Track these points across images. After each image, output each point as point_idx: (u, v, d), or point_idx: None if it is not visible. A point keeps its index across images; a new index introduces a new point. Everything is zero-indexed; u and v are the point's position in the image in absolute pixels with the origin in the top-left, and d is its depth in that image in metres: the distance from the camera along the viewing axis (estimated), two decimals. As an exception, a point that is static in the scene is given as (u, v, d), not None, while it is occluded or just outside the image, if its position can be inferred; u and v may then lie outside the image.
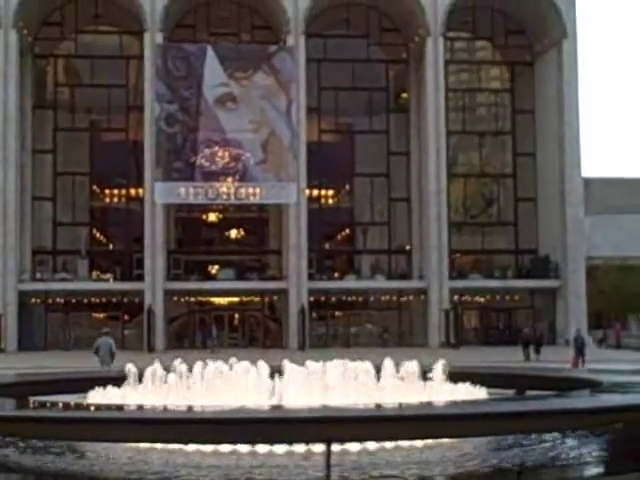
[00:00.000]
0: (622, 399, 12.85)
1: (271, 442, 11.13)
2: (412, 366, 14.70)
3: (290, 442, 11.24)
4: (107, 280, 59.82)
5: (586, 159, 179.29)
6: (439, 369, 14.71)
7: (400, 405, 12.48)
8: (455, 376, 14.72)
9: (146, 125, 57.35)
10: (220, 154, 56.34)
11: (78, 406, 12.95)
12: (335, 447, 10.80)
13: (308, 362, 14.64)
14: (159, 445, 11.72)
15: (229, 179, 56.42)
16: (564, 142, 59.15)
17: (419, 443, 12.05)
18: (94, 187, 62.72)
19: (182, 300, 61.31)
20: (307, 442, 11.19)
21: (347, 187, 64.50)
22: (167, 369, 14.84)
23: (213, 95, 56.59)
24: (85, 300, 60.15)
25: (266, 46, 59.01)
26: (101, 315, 61.17)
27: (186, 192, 56.12)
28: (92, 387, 14.74)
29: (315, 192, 61.87)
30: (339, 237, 65.60)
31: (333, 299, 61.72)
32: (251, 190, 56.66)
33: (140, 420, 10.91)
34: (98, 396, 14.34)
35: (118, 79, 61.07)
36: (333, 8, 61.45)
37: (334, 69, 61.60)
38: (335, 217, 63.89)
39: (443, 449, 12.17)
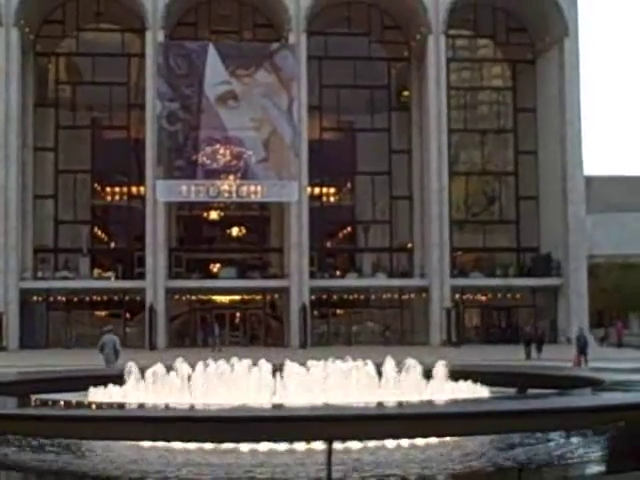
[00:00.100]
0: (624, 397, 12.84)
1: (272, 440, 11.12)
2: (413, 364, 14.69)
3: (291, 440, 11.24)
4: (108, 278, 59.84)
5: (588, 157, 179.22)
6: (440, 368, 14.70)
7: (401, 404, 12.48)
8: (456, 374, 14.72)
9: (147, 123, 57.35)
10: (221, 152, 56.35)
11: (79, 404, 12.95)
12: (337, 445, 10.80)
13: (309, 362, 14.63)
14: (160, 443, 11.71)
15: (230, 177, 56.43)
16: (566, 140, 59.11)
17: (420, 442, 12.04)
18: (95, 185, 62.72)
19: (183, 298, 61.31)
20: (308, 440, 11.18)
21: (349, 185, 64.48)
22: (169, 368, 14.84)
23: (214, 93, 56.58)
24: (86, 298, 60.16)
25: (268, 44, 58.99)
26: (102, 313, 61.14)
27: (187, 190, 56.13)
28: (95, 385, 14.73)
29: (317, 190, 61.85)
30: (340, 235, 65.58)
31: (334, 297, 61.70)
32: (252, 188, 56.67)
33: (141, 418, 10.90)
34: (99, 394, 14.34)
35: (119, 77, 61.06)
36: (334, 6, 61.41)
37: (336, 67, 61.56)
38: (336, 215, 63.89)
39: (444, 448, 12.16)
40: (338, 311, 62.75)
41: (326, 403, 12.38)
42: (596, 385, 14.32)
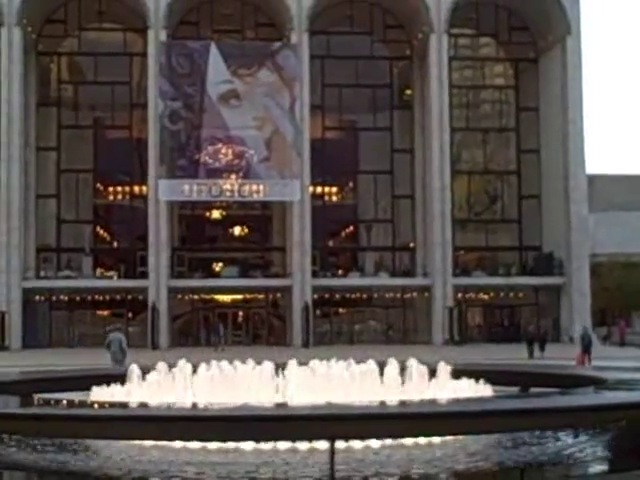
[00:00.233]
0: (626, 396, 12.83)
1: (275, 439, 11.12)
2: (416, 364, 14.68)
3: (294, 440, 11.23)
4: (111, 277, 59.90)
5: (590, 156, 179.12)
6: (443, 367, 14.70)
7: (404, 403, 12.47)
8: (459, 373, 14.71)
9: (150, 122, 57.37)
10: (224, 151, 56.37)
11: (82, 404, 12.95)
12: (339, 445, 10.79)
13: (312, 363, 14.63)
14: (163, 442, 11.71)
15: (233, 176, 56.44)
16: (568, 139, 59.05)
17: (423, 440, 12.03)
18: (98, 184, 62.74)
19: (186, 298, 61.34)
20: (311, 439, 11.18)
21: (351, 184, 64.47)
22: (172, 367, 14.84)
23: (217, 92, 56.58)
24: (89, 297, 60.19)
25: (270, 43, 58.98)
26: (105, 313, 61.22)
27: (190, 189, 56.14)
28: (98, 384, 14.74)
29: (319, 189, 61.85)
30: (343, 234, 65.57)
31: (337, 296, 61.69)
32: (255, 187, 56.68)
33: (144, 418, 10.90)
34: (102, 393, 14.34)
35: (122, 76, 61.07)
36: (337, 5, 61.40)
37: (338, 66, 61.54)
38: (339, 214, 63.88)
39: (447, 447, 12.16)
40: (340, 310, 62.75)
41: (329, 402, 12.37)
42: (599, 384, 14.31)
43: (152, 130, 56.96)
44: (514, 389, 16.18)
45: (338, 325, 61.97)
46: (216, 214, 64.18)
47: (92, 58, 61.80)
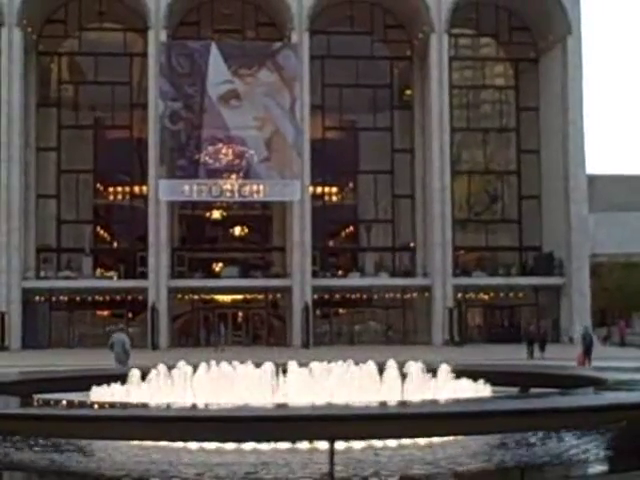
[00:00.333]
0: (626, 397, 12.82)
1: (275, 440, 11.11)
2: (416, 364, 14.68)
3: (294, 440, 11.22)
4: (111, 278, 59.92)
5: (590, 156, 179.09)
6: (443, 367, 14.70)
7: (404, 403, 12.46)
8: (459, 374, 14.70)
9: (150, 123, 57.39)
10: (224, 151, 56.39)
11: (82, 404, 12.95)
12: (339, 445, 10.79)
13: (312, 364, 14.61)
14: (163, 443, 11.70)
15: (233, 176, 56.46)
16: (568, 139, 59.06)
17: (423, 441, 12.03)
18: (98, 185, 62.77)
19: (186, 298, 61.35)
20: (311, 440, 11.17)
21: (351, 184, 64.50)
22: (171, 368, 14.83)
23: (217, 92, 56.60)
24: (89, 298, 60.21)
25: (270, 43, 59.01)
26: (105, 313, 61.25)
27: (190, 189, 56.16)
28: (99, 384, 14.73)
29: (319, 189, 61.89)
30: (343, 234, 65.60)
31: (337, 297, 61.73)
32: (255, 187, 56.70)
33: (143, 418, 10.90)
34: (102, 394, 14.33)
35: (122, 77, 61.11)
36: (337, 5, 61.42)
37: (338, 66, 61.57)
38: (339, 214, 63.92)
39: (447, 447, 12.15)
40: (340, 310, 62.78)
41: (328, 402, 12.37)
42: (599, 384, 14.30)
43: (152, 130, 56.98)
44: (514, 390, 16.17)
45: (338, 325, 62.00)
46: (216, 214, 64.20)
47: (92, 58, 61.85)
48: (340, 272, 61.69)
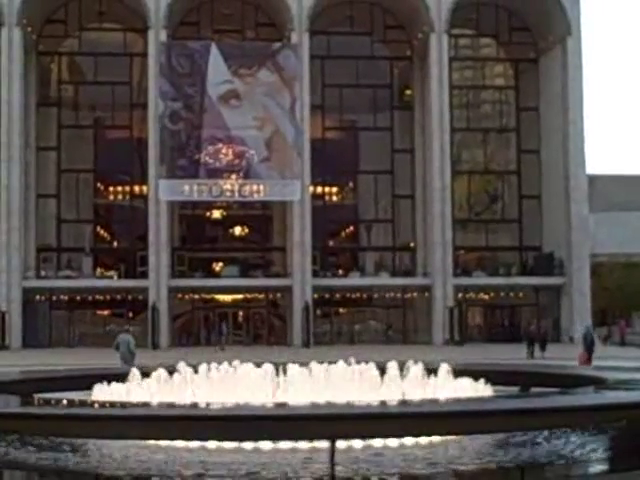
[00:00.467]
0: (626, 396, 12.83)
1: (275, 439, 11.12)
2: (416, 363, 14.69)
3: (294, 439, 11.23)
4: (111, 277, 59.92)
5: (590, 156, 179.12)
6: (443, 366, 14.71)
7: (404, 402, 12.47)
8: (459, 373, 14.71)
9: (150, 122, 57.40)
10: (224, 151, 56.38)
11: (82, 403, 12.96)
12: (340, 444, 10.80)
13: (312, 365, 14.61)
14: (163, 442, 11.71)
15: (233, 176, 56.45)
16: (568, 139, 59.06)
17: (424, 440, 12.03)
18: (98, 184, 62.78)
19: (186, 297, 61.35)
20: (311, 439, 11.18)
21: (351, 184, 64.51)
22: (172, 368, 14.85)
23: (217, 92, 56.59)
24: (89, 297, 60.21)
25: (270, 43, 59.00)
26: (105, 312, 61.26)
27: (190, 189, 56.16)
28: (101, 383, 14.75)
29: (319, 189, 61.88)
30: (343, 234, 65.60)
31: (337, 296, 61.73)
32: (255, 187, 56.70)
33: (144, 417, 10.90)
34: (103, 393, 14.34)
35: (122, 77, 61.10)
36: (337, 5, 61.41)
37: (338, 66, 61.56)
38: (339, 214, 63.91)
39: (447, 446, 12.16)
40: (341, 310, 62.79)
41: (329, 402, 12.37)
42: (599, 384, 14.31)
43: (152, 130, 56.98)
44: (514, 389, 16.19)
45: (338, 325, 62.01)
46: (216, 214, 64.21)
47: (92, 58, 61.85)
48: (340, 272, 61.70)
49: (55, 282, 58.47)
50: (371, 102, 63.32)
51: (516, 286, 61.06)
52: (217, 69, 56.57)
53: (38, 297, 59.08)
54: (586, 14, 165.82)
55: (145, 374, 14.79)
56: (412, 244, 62.44)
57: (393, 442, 11.83)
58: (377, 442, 11.79)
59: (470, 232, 64.04)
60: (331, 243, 64.08)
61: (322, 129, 61.95)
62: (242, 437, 10.80)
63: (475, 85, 65.69)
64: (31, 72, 59.79)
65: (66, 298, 59.90)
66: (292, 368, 14.42)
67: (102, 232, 63.91)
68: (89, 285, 58.82)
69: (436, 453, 11.90)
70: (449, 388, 14.12)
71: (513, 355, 40.92)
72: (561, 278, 59.51)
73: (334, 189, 64.09)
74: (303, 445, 11.51)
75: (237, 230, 64.87)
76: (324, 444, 10.78)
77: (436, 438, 12.05)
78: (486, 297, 62.62)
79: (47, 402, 13.16)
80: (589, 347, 37.81)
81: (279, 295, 61.69)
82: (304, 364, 14.73)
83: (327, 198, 63.28)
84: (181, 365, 14.86)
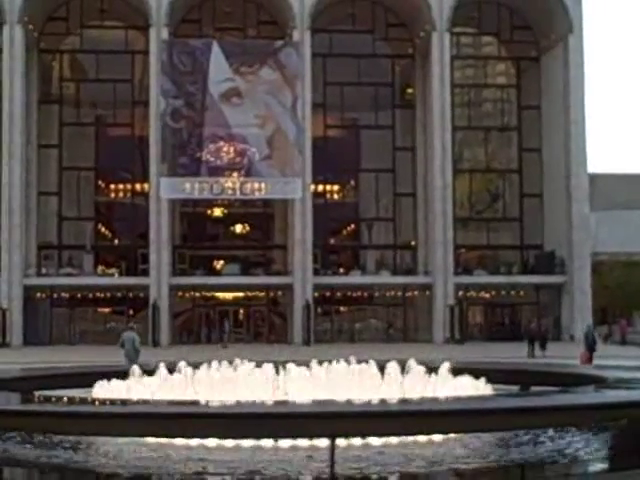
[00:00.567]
0: (627, 395, 12.83)
1: (275, 437, 11.12)
2: (416, 362, 14.70)
3: (294, 437, 11.23)
4: (112, 275, 59.96)
5: (592, 154, 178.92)
6: (444, 365, 14.72)
7: (404, 400, 12.47)
8: (460, 372, 14.71)
9: (151, 120, 57.41)
10: (225, 149, 56.38)
11: (83, 400, 12.97)
12: (340, 442, 10.80)
13: (312, 364, 14.61)
14: (163, 439, 11.72)
15: (234, 174, 56.47)
16: (570, 138, 59.06)
17: (424, 438, 12.03)
18: (99, 182, 62.82)
19: (187, 295, 61.38)
20: (311, 437, 11.18)
21: (352, 182, 64.51)
22: (173, 365, 14.85)
23: (218, 90, 56.59)
24: (90, 295, 60.27)
25: (272, 41, 59.00)
26: (106, 310, 61.31)
27: (191, 187, 56.19)
28: (102, 380, 14.76)
29: (320, 187, 61.88)
30: (344, 232, 65.61)
31: (338, 294, 61.75)
32: (256, 185, 56.71)
33: (144, 415, 10.91)
34: (104, 390, 14.35)
35: (123, 74, 61.10)
36: (339, 3, 61.38)
37: (340, 64, 61.54)
38: (340, 212, 63.91)
39: (447, 445, 12.16)
40: (341, 308, 62.81)
41: (329, 399, 12.37)
42: (599, 383, 14.31)
43: (154, 128, 57.00)
44: (514, 387, 16.19)
45: (339, 323, 62.03)
46: (217, 212, 64.22)
47: (94, 56, 61.85)
48: (341, 270, 61.72)
49: (56, 280, 58.51)
50: (372, 100, 63.31)
51: (517, 285, 61.09)
52: (218, 67, 56.57)
53: (39, 295, 59.13)
54: (588, 12, 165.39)
55: (146, 372, 14.81)
56: (413, 242, 62.44)
57: (393, 440, 11.84)
58: (377, 440, 11.79)
59: (471, 231, 64.04)
60: (332, 241, 64.08)
61: (323, 127, 61.95)
62: (242, 435, 10.80)
63: (477, 83, 65.71)
64: (33, 70, 59.79)
65: (67, 296, 59.96)
66: (293, 369, 14.40)
67: (103, 230, 63.95)
68: (90, 283, 58.86)
69: (436, 451, 11.90)
70: (449, 386, 14.13)
71: (514, 354, 40.93)
72: (562, 277, 59.51)
73: (335, 187, 64.10)
74: (303, 443, 11.51)
75: (238, 228, 64.90)
76: (324, 442, 10.79)
77: (436, 436, 12.05)
78: (487, 296, 62.63)
79: (48, 399, 13.17)
80: (591, 346, 37.80)
81: (280, 293, 61.72)
82: (304, 364, 14.72)
83: (328, 196, 63.29)
84: (182, 365, 14.86)
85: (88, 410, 11.62)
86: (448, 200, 58.70)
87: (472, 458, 11.78)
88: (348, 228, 65.50)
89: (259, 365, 14.58)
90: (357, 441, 11.66)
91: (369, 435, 11.33)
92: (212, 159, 56.30)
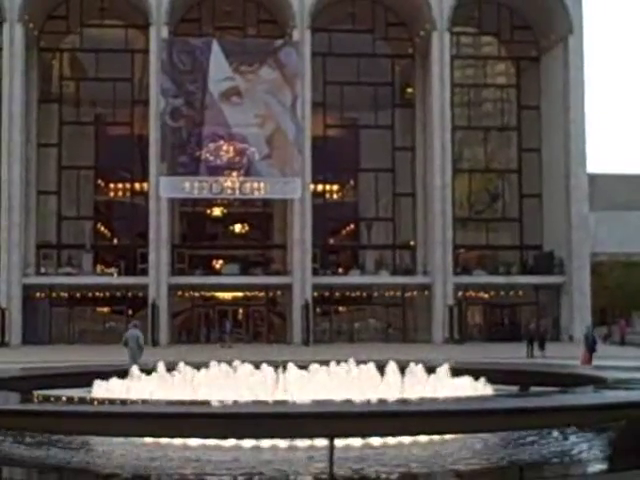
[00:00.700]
0: (626, 396, 12.82)
1: (274, 437, 11.11)
2: (416, 362, 14.69)
3: (293, 437, 11.22)
4: (111, 274, 59.92)
5: (591, 154, 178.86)
6: (444, 365, 14.71)
7: (404, 400, 12.46)
8: (459, 372, 14.71)
9: (151, 119, 57.39)
10: (225, 148, 56.36)
11: (82, 400, 12.96)
12: (338, 442, 10.79)
13: (312, 367, 14.60)
14: (162, 439, 11.71)
15: (234, 174, 56.45)
16: (569, 138, 59.05)
17: (423, 439, 12.03)
18: (99, 181, 62.78)
19: (186, 295, 61.35)
20: (310, 437, 11.17)
21: (352, 182, 64.49)
22: (173, 365, 14.85)
23: (218, 89, 56.57)
24: (89, 294, 60.23)
25: (272, 40, 58.98)
26: (105, 309, 61.27)
27: (191, 186, 56.17)
28: (100, 380, 14.75)
29: (320, 187, 61.86)
30: (343, 232, 65.58)
31: (337, 294, 61.71)
32: (256, 185, 56.69)
33: (142, 414, 10.90)
34: (102, 390, 14.34)
35: (123, 73, 61.06)
36: (339, 3, 61.37)
37: (339, 64, 61.53)
38: (339, 212, 63.89)
39: (446, 445, 12.16)
40: (340, 308, 62.78)
41: (328, 400, 12.36)
42: (598, 383, 14.31)
43: (153, 127, 56.97)
44: (514, 388, 16.19)
45: (338, 323, 62.01)
46: (217, 211, 64.20)
47: (94, 55, 61.81)
48: (340, 270, 61.70)
49: (55, 279, 58.49)
50: (372, 100, 63.29)
51: (516, 285, 61.07)
52: (218, 66, 56.55)
53: (38, 294, 59.08)
54: (588, 12, 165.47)
55: (145, 371, 14.80)
56: (412, 242, 62.43)
57: (392, 440, 11.83)
58: (376, 440, 11.78)
59: (470, 231, 64.03)
60: (331, 241, 64.06)
61: (323, 127, 61.93)
62: (241, 435, 10.79)
63: (476, 83, 65.70)
64: (32, 68, 59.75)
65: (66, 295, 59.93)
66: (292, 370, 14.38)
67: (102, 229, 63.91)
68: (89, 282, 58.84)
69: (435, 451, 11.89)
70: (449, 387, 14.12)
71: (513, 354, 40.93)
72: (561, 277, 59.51)
73: (335, 187, 64.07)
74: (302, 443, 11.50)
75: (237, 228, 64.88)
76: (323, 442, 10.77)
77: (436, 436, 12.04)
78: (486, 296, 62.62)
79: (47, 399, 13.16)
80: (591, 347, 37.79)
81: (279, 293, 61.70)
82: (304, 366, 14.69)
83: (328, 196, 63.27)
84: (181, 365, 14.86)
85: (87, 410, 11.60)
86: (447, 200, 58.69)
87: (470, 458, 11.78)
88: (347, 228, 65.48)
89: (258, 367, 14.57)
90: (356, 441, 11.65)
91: (368, 435, 11.32)
92: (212, 158, 56.28)
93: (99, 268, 60.69)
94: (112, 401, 12.81)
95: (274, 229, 64.09)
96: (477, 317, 63.52)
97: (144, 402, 12.50)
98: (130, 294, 59.63)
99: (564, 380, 15.68)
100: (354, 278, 60.82)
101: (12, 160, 56.35)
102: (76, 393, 14.09)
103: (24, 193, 57.60)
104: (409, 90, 64.26)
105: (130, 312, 59.54)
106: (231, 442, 11.48)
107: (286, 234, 60.26)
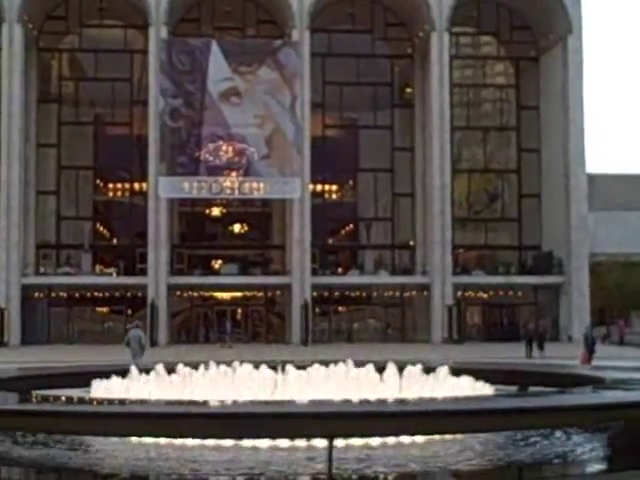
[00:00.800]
0: (624, 396, 12.83)
1: (273, 437, 11.11)
2: (416, 362, 14.70)
3: (292, 437, 11.22)
4: (110, 274, 59.92)
5: (591, 155, 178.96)
6: (443, 365, 14.72)
7: (403, 400, 12.46)
8: (458, 372, 14.71)
9: (150, 119, 57.37)
10: (224, 149, 56.35)
11: (81, 400, 12.96)
12: (338, 442, 10.79)
13: (312, 368, 14.61)
14: (162, 440, 11.71)
15: (233, 174, 56.43)
16: (569, 138, 59.05)
17: (422, 438, 12.03)
18: (98, 181, 62.78)
19: (185, 295, 61.34)
20: (309, 437, 11.17)
21: (351, 182, 64.51)
22: (173, 364, 14.85)
23: (217, 90, 56.55)
24: (88, 294, 60.20)
25: (271, 41, 58.97)
26: (104, 309, 61.24)
27: (190, 187, 56.15)
28: (99, 380, 14.75)
29: (319, 187, 61.88)
30: (343, 232, 65.59)
31: (336, 294, 61.69)
32: (255, 185, 56.67)
33: (141, 414, 10.90)
34: (101, 390, 14.34)
35: (122, 73, 61.06)
36: (338, 3, 61.36)
37: (339, 64, 61.52)
38: (339, 212, 63.90)
39: (445, 445, 12.16)
40: (340, 308, 62.77)
41: (327, 400, 12.36)
42: (597, 383, 14.32)
43: (152, 127, 56.96)
44: (512, 388, 16.19)
45: (337, 323, 62.00)
46: (216, 211, 64.20)
47: (93, 55, 61.80)
48: (339, 270, 61.70)
49: (54, 279, 58.46)
50: (371, 100, 63.29)
51: (515, 285, 61.07)
52: (217, 66, 56.53)
53: (37, 294, 59.05)
54: (587, 12, 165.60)
55: (143, 371, 14.80)
56: (411, 242, 62.43)
57: (391, 440, 11.83)
58: (375, 441, 11.78)
59: (469, 231, 64.03)
60: (330, 241, 64.07)
61: (322, 127, 61.93)
62: (240, 435, 10.79)
63: (475, 83, 65.71)
64: (31, 68, 59.74)
65: (65, 295, 59.91)
66: (291, 370, 14.38)
67: (101, 229, 63.91)
68: (88, 282, 58.82)
69: (434, 451, 11.90)
70: (448, 387, 14.13)
71: (512, 354, 40.93)
72: (560, 277, 59.51)
73: (334, 187, 64.08)
74: (301, 443, 11.50)
75: (236, 228, 64.87)
76: (322, 442, 10.78)
77: (434, 436, 12.05)
78: (485, 296, 62.61)
79: (45, 399, 13.16)
80: (590, 347, 37.82)
81: (278, 293, 61.69)
82: (302, 366, 14.69)
83: (327, 196, 63.28)
84: (180, 367, 14.86)
85: (86, 410, 11.60)
86: (446, 200, 58.69)
87: (469, 458, 11.78)
88: (346, 228, 65.49)
89: (257, 367, 14.58)
90: (356, 442, 11.65)
91: (367, 436, 11.32)
92: (211, 158, 56.26)
93: (98, 268, 60.68)
94: (111, 401, 12.81)
95: (273, 229, 64.09)
96: (476, 317, 63.52)
97: (143, 402, 12.50)
98: (129, 294, 59.62)
99: (563, 380, 15.68)
100: (353, 278, 60.81)
101: (11, 160, 56.33)
102: (75, 393, 14.09)
103: (23, 193, 57.58)
104: (408, 90, 64.26)
105: (129, 312, 59.59)
106: (230, 442, 11.48)
107: (285, 234, 60.25)
